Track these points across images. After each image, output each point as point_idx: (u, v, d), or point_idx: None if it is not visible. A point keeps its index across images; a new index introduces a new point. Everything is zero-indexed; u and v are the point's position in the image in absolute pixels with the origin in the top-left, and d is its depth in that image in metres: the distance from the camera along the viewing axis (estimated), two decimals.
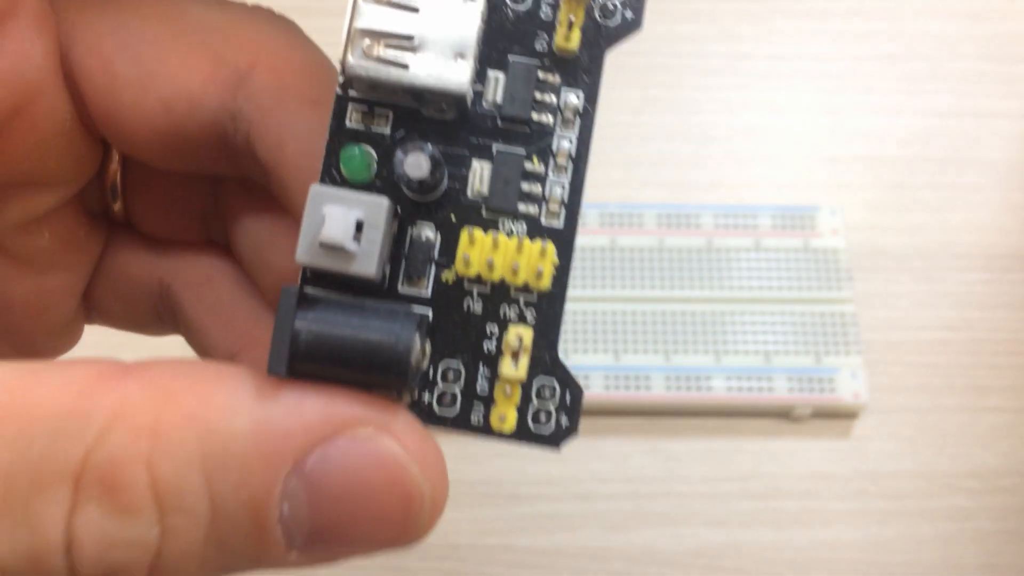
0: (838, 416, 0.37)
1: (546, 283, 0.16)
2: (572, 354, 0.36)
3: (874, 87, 0.42)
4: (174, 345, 0.23)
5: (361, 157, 0.15)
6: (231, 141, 0.19)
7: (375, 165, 0.16)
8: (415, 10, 0.15)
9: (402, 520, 0.14)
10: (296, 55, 0.19)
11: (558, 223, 0.16)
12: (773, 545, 0.35)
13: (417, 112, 0.16)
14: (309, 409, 0.14)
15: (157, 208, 0.23)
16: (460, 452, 0.36)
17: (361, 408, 0.14)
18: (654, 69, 0.42)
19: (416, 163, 0.15)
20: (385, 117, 0.16)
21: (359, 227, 0.15)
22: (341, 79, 0.15)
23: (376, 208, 0.15)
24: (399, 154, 0.15)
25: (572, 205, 0.16)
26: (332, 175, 0.16)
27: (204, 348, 0.22)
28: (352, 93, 0.16)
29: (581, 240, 0.37)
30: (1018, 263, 0.39)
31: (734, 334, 0.37)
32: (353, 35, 0.15)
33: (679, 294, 0.37)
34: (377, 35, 0.15)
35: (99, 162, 0.21)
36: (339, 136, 0.16)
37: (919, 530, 0.36)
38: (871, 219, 0.40)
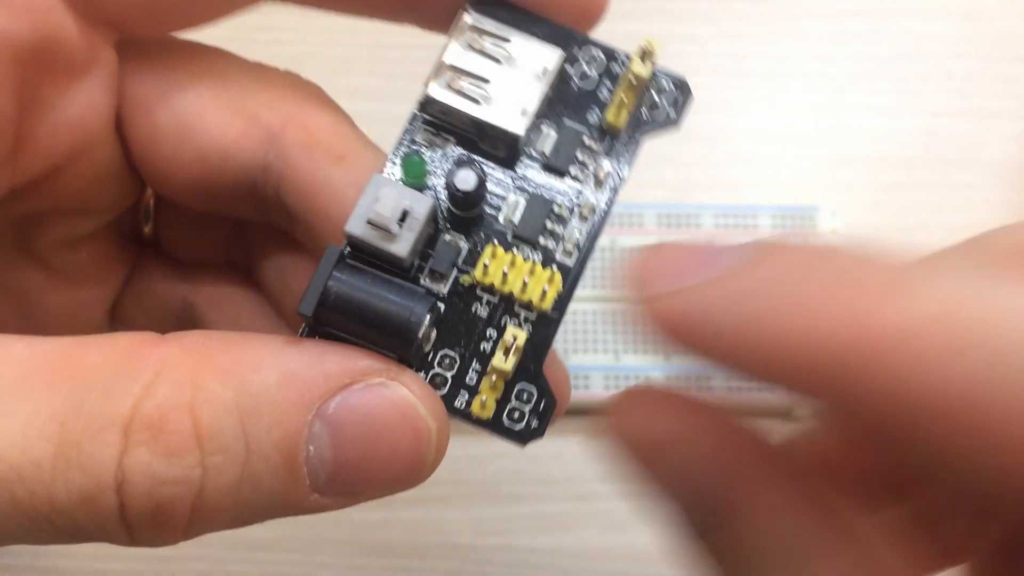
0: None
1: (548, 304, 0.18)
2: (572, 354, 0.36)
3: (874, 87, 0.42)
4: None
5: (420, 164, 0.18)
6: (260, 191, 0.21)
7: (428, 176, 0.18)
8: (497, 61, 0.18)
9: (413, 455, 0.16)
10: (323, 115, 0.21)
11: (570, 261, 0.18)
12: None
13: (474, 144, 0.18)
14: (329, 361, 0.16)
15: (184, 234, 0.24)
16: (462, 453, 0.36)
17: (374, 361, 0.16)
18: None
19: (466, 177, 0.17)
20: (448, 141, 0.18)
21: (403, 216, 0.17)
22: (422, 99, 0.18)
23: (422, 203, 0.17)
24: (453, 167, 0.18)
25: (585, 249, 0.18)
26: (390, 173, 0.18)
27: None
28: (426, 116, 0.18)
29: None
30: None
31: None
32: (440, 67, 0.18)
33: None
34: (460, 72, 0.18)
35: (137, 194, 0.23)
36: (404, 145, 0.18)
37: None
38: (871, 219, 0.40)
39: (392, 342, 0.16)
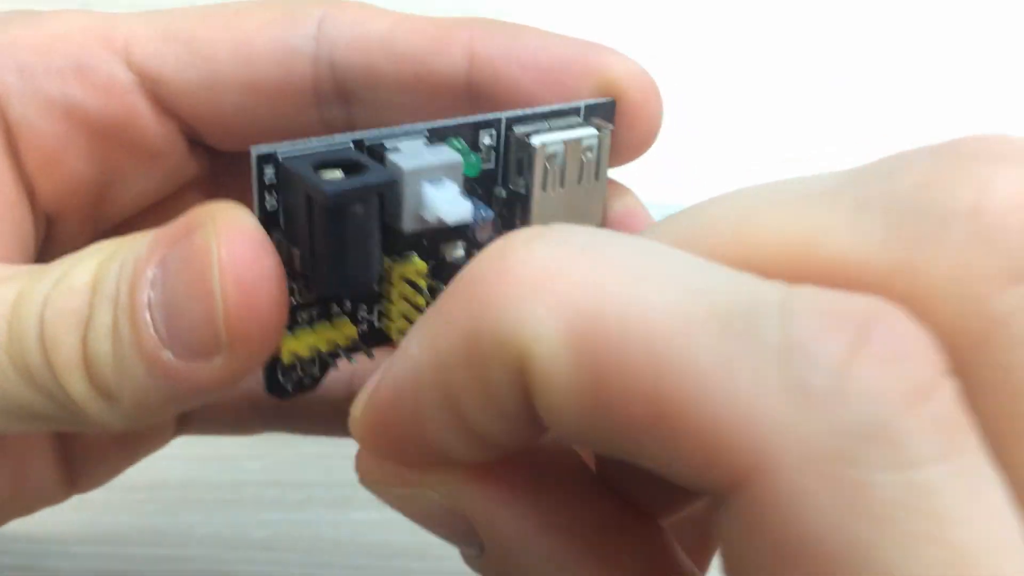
0: None
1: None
2: None
3: (874, 88, 0.42)
4: None
5: (477, 163, 0.18)
6: (321, 87, 0.21)
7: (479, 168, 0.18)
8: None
9: (202, 289, 0.15)
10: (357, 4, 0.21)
11: None
12: None
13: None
14: (192, 213, 0.16)
15: None
16: None
17: (209, 210, 0.16)
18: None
19: (486, 231, 0.18)
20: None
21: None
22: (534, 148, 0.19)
23: (459, 217, 0.17)
24: (484, 214, 0.18)
25: None
26: None
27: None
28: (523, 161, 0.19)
29: None
30: None
31: None
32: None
33: None
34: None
35: None
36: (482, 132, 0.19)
37: None
38: None
39: (324, 272, 0.16)
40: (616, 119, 0.20)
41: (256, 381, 0.24)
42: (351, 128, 0.22)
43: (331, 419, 0.23)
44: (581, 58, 0.20)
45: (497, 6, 0.42)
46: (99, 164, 0.21)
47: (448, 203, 0.17)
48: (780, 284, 0.11)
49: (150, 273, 0.16)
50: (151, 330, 0.15)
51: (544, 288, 0.12)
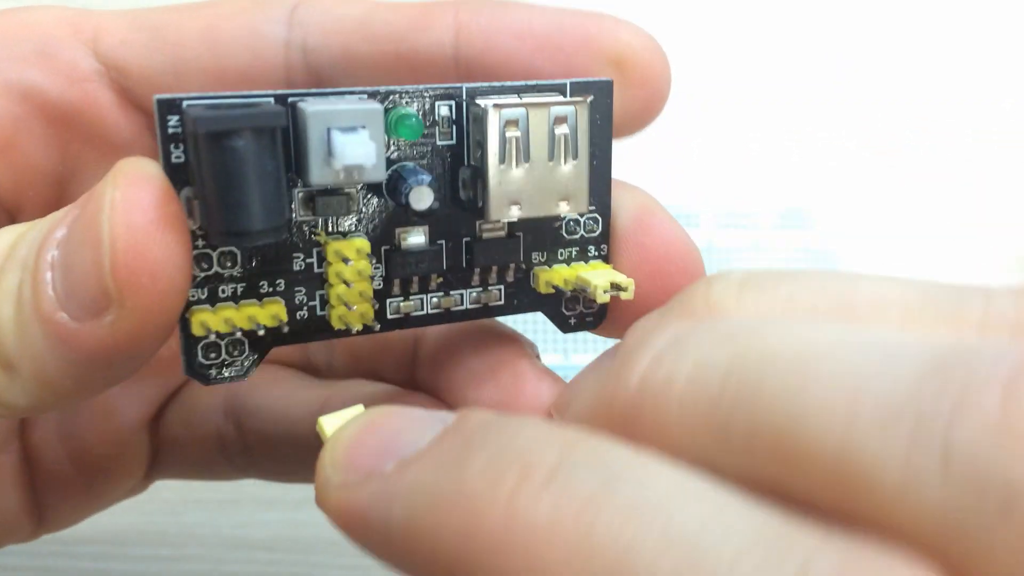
0: None
1: (347, 320, 0.17)
2: (572, 354, 0.36)
3: (875, 87, 0.42)
4: None
5: (417, 131, 0.17)
6: (292, 75, 0.20)
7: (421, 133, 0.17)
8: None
9: (92, 235, 0.15)
10: None
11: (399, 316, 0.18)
12: None
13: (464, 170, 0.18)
14: (110, 173, 0.15)
15: None
16: None
17: (117, 163, 0.15)
18: None
19: (421, 196, 0.16)
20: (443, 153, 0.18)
21: (353, 167, 0.16)
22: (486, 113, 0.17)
23: (374, 174, 0.16)
24: (419, 176, 0.17)
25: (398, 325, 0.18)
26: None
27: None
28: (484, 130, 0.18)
29: None
30: (1019, 263, 0.39)
31: None
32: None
33: None
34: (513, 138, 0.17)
35: None
36: (424, 98, 0.17)
37: None
38: (869, 220, 0.40)
39: (217, 217, 0.15)
40: (623, 87, 0.18)
41: (223, 425, 0.24)
42: None
43: (304, 464, 0.23)
44: (582, 25, 0.19)
45: None
46: (59, 153, 0.21)
47: (351, 145, 0.15)
48: (804, 539, 0.11)
49: (58, 233, 0.15)
50: (49, 290, 0.15)
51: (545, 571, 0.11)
